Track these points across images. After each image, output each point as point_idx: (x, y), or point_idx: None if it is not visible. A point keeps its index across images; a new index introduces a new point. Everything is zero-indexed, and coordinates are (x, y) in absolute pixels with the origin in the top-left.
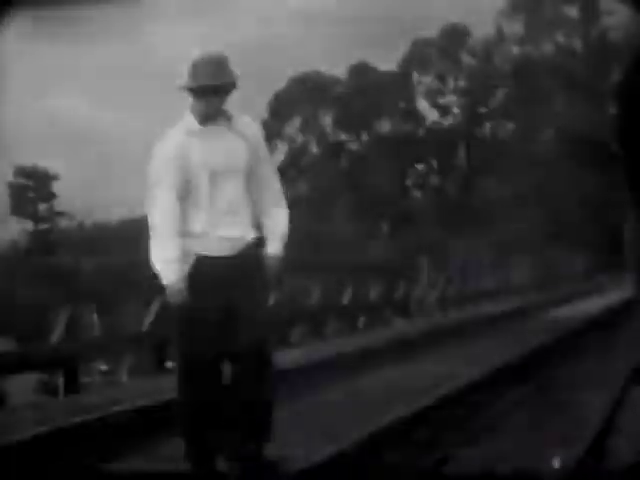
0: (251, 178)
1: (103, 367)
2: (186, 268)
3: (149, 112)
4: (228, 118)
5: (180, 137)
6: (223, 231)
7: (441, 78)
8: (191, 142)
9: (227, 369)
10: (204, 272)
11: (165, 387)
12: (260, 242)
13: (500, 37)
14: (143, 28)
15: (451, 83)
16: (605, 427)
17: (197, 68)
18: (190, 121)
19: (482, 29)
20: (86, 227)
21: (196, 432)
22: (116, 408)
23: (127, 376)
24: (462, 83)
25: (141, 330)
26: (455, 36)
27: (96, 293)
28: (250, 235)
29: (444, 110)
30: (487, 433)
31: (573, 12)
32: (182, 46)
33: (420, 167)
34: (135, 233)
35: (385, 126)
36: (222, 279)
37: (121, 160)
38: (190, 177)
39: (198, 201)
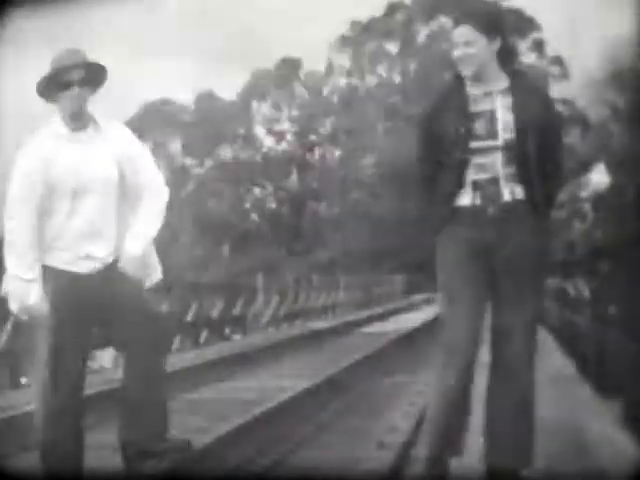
0: (122, 194)
1: None
2: (45, 284)
3: None
4: (95, 124)
5: (45, 144)
6: (84, 250)
7: (277, 107)
8: (57, 150)
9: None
10: (66, 289)
11: (20, 402)
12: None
13: (330, 70)
14: None
15: (286, 112)
16: (412, 435)
17: (57, 58)
18: (57, 125)
19: (314, 62)
20: None
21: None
22: None
23: None
24: (295, 112)
25: None
26: (290, 68)
27: None
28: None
29: (279, 137)
30: (310, 442)
31: (394, 47)
32: None
33: (257, 191)
34: None
35: (226, 152)
36: (87, 297)
37: None
38: (53, 190)
39: (59, 216)
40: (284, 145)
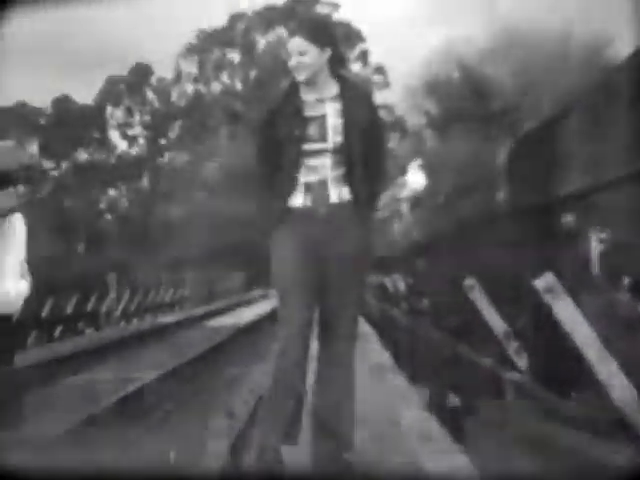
0: None
1: None
2: None
3: None
4: None
5: None
6: None
7: (129, 112)
8: None
9: None
10: None
11: None
12: None
13: (178, 76)
14: None
15: (137, 117)
16: (248, 424)
17: None
18: None
19: (164, 69)
20: None
21: None
22: None
23: None
24: (147, 117)
25: None
26: (141, 74)
27: None
28: None
29: (131, 141)
30: (153, 432)
31: (236, 56)
32: None
33: (111, 192)
34: None
35: (82, 154)
36: None
37: None
38: None
39: None
40: (136, 149)
